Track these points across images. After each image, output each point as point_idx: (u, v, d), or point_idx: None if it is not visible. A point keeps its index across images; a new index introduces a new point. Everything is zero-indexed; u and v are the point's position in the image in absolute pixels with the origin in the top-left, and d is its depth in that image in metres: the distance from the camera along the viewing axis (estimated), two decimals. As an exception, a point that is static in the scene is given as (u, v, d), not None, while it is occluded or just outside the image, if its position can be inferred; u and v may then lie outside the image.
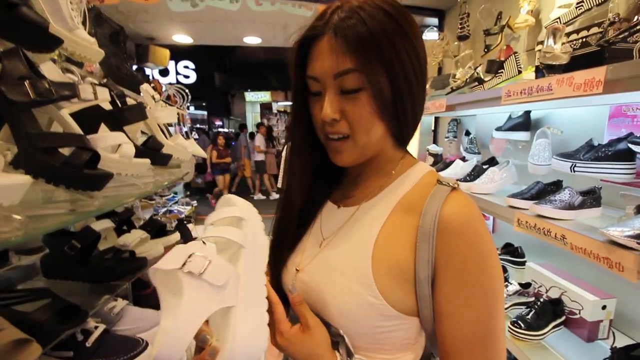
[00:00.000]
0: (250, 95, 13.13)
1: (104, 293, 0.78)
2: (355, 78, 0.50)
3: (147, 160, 0.75)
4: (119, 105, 0.83)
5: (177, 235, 1.11)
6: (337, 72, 0.50)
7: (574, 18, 1.31)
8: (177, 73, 8.99)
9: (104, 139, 0.66)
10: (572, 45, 1.20)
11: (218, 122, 12.12)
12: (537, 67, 1.28)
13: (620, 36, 0.97)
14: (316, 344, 0.52)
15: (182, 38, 3.89)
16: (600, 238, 0.91)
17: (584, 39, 1.20)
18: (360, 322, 0.52)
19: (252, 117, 13.59)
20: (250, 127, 12.72)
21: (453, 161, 1.96)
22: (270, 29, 3.59)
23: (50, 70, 0.70)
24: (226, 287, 0.44)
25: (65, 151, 0.60)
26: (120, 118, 0.80)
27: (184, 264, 0.43)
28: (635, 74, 0.85)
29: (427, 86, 2.21)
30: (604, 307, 1.23)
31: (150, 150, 0.83)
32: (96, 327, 0.74)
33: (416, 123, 0.60)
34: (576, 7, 1.29)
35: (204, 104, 11.85)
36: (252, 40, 3.96)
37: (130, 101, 0.94)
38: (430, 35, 3.03)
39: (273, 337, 0.53)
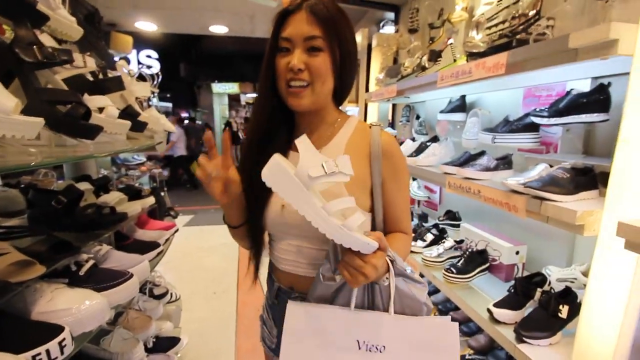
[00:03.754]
0: (217, 87, 12.85)
1: (90, 240, 0.90)
2: (319, 42, 0.72)
3: (128, 122, 0.88)
4: (100, 76, 0.95)
5: (152, 199, 1.23)
6: (307, 36, 0.71)
7: (496, 13, 1.55)
8: (139, 63, 8.67)
9: (93, 100, 0.79)
10: (492, 37, 1.45)
11: (184, 114, 11.79)
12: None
13: (520, 28, 1.22)
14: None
15: (146, 25, 3.85)
16: (503, 189, 1.15)
17: (501, 31, 1.45)
18: None
19: (220, 109, 13.33)
20: (218, 120, 12.51)
21: (404, 142, 2.19)
22: (237, 19, 3.66)
23: (47, 41, 0.81)
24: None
25: (61, 108, 0.72)
26: (103, 87, 0.92)
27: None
28: (529, 56, 1.10)
29: (382, 75, 2.43)
30: (517, 253, 1.50)
31: (129, 115, 0.96)
32: (87, 261, 0.86)
33: (350, 87, 0.84)
34: (497, 4, 1.53)
35: (168, 96, 11.48)
36: (218, 29, 3.99)
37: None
38: (387, 29, 3.26)
39: (369, 269, 0.64)
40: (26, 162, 0.57)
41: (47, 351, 0.64)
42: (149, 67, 8.87)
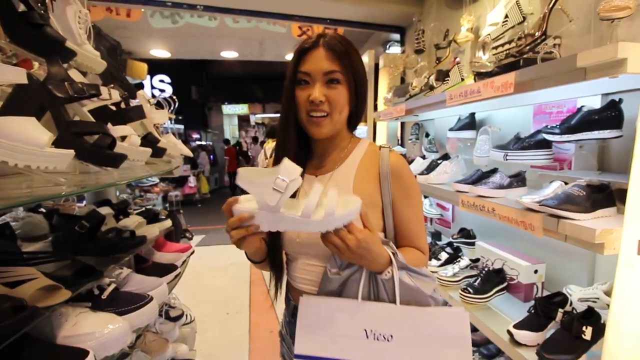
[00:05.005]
0: (227, 108, 13.17)
1: (110, 264, 0.93)
2: (338, 75, 0.79)
3: (149, 149, 0.92)
4: (123, 106, 0.99)
5: (169, 222, 1.26)
6: (327, 71, 0.78)
7: (502, 34, 1.59)
8: (152, 87, 8.98)
9: (118, 130, 0.83)
10: (499, 57, 1.47)
11: (195, 135, 12.06)
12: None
13: (527, 48, 1.24)
14: (379, 241, 0.72)
15: (160, 52, 4.03)
16: (518, 207, 1.14)
17: (508, 51, 1.48)
18: None
19: (230, 129, 13.61)
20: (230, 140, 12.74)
21: (414, 159, 2.20)
22: (247, 44, 3.80)
23: (76, 75, 0.86)
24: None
25: (88, 139, 0.76)
26: (125, 116, 0.96)
27: None
28: (537, 76, 1.11)
29: (390, 94, 2.48)
30: (535, 271, 1.47)
31: (149, 142, 1.00)
32: (109, 285, 0.88)
33: (363, 113, 0.89)
34: (502, 25, 1.57)
35: (180, 118, 11.78)
36: (229, 54, 4.14)
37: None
38: (393, 50, 3.34)
39: (350, 238, 0.66)
40: (57, 192, 0.59)
41: (72, 376, 0.65)
42: (162, 90, 9.20)
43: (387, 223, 0.85)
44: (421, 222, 0.90)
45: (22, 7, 0.80)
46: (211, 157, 10.92)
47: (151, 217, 1.22)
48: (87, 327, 0.73)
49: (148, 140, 1.01)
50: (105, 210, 1.07)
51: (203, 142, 11.75)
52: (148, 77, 8.71)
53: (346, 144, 0.89)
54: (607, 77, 0.89)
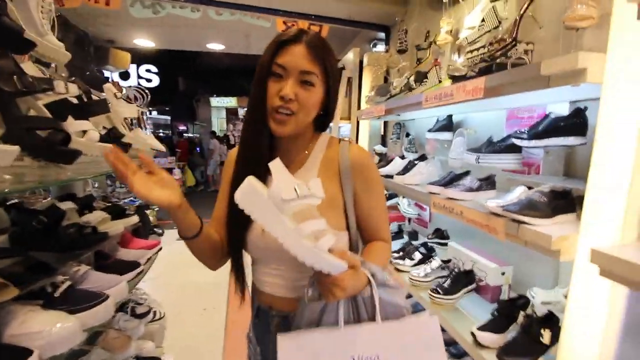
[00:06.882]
0: (215, 101, 12.99)
1: (69, 260, 0.90)
2: (313, 78, 0.76)
3: (109, 145, 0.89)
4: (85, 100, 0.97)
5: (136, 218, 1.23)
6: (304, 70, 0.75)
7: (478, 38, 1.60)
8: (139, 77, 8.79)
9: (74, 125, 0.80)
10: (474, 60, 1.48)
11: (182, 127, 11.87)
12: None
13: (498, 53, 1.25)
14: (360, 274, 0.72)
15: (144, 42, 3.93)
16: (484, 210, 1.16)
17: (482, 55, 1.49)
18: None
19: (218, 122, 13.44)
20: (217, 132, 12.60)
21: (393, 159, 2.22)
22: (233, 36, 3.74)
23: (29, 68, 0.83)
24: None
25: (42, 134, 0.73)
26: (87, 110, 0.93)
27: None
28: (505, 81, 1.13)
29: (373, 93, 2.48)
30: (503, 273, 1.50)
31: (112, 138, 0.97)
32: (63, 282, 0.86)
33: (332, 117, 0.88)
34: (478, 29, 1.58)
35: (167, 109, 11.58)
36: (215, 46, 4.08)
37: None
38: (379, 49, 3.34)
39: (338, 291, 0.67)
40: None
41: (15, 377, 0.64)
42: (148, 80, 9.01)
43: (350, 220, 0.84)
44: (384, 212, 0.91)
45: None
46: (197, 149, 10.77)
47: (117, 212, 1.20)
48: (35, 325, 0.71)
49: (110, 135, 0.98)
50: (67, 205, 1.05)
51: (190, 134, 11.58)
52: (134, 66, 8.54)
53: (307, 141, 0.88)
54: (569, 86, 0.91)
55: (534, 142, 1.23)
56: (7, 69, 0.64)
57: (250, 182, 0.65)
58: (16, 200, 1.28)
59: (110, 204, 1.25)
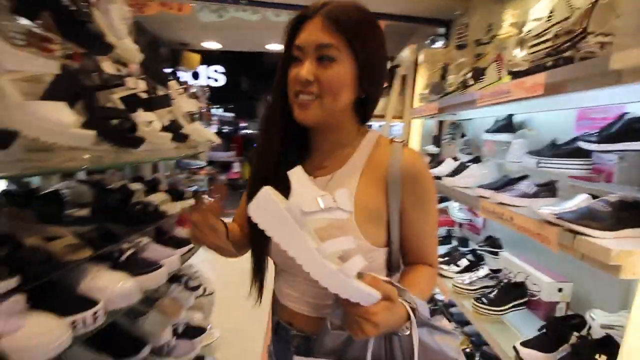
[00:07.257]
0: (274, 99, 13.41)
1: (134, 232, 1.06)
2: (333, 51, 0.63)
3: (169, 134, 1.01)
4: (151, 95, 1.10)
5: (192, 201, 1.38)
6: (319, 44, 0.63)
7: (545, 30, 1.46)
8: (208, 77, 9.53)
9: (140, 116, 0.93)
10: (538, 55, 1.36)
11: (243, 124, 12.59)
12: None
13: (565, 46, 1.14)
14: (397, 307, 0.58)
15: (211, 44, 4.27)
16: (537, 218, 1.07)
17: (548, 49, 1.36)
18: None
19: (277, 120, 13.86)
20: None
21: (445, 160, 2.12)
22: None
23: (108, 67, 0.98)
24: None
25: (114, 122, 0.86)
26: (152, 103, 1.07)
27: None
28: (568, 77, 1.03)
29: (427, 91, 2.39)
30: (560, 290, 1.36)
31: (172, 128, 1.10)
32: (127, 249, 1.01)
33: (376, 102, 0.75)
34: (546, 20, 1.44)
35: (231, 107, 12.36)
36: (273, 47, 4.26)
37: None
38: (438, 44, 3.19)
39: (368, 326, 0.54)
40: (78, 165, 0.70)
41: (84, 319, 0.79)
42: (215, 80, 9.73)
43: (393, 235, 0.71)
44: (434, 232, 0.77)
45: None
46: (254, 145, 11.32)
47: (177, 195, 1.35)
48: (102, 282, 0.86)
49: (171, 126, 1.11)
50: (136, 186, 1.21)
51: (249, 131, 12.22)
52: (205, 67, 9.29)
53: (351, 139, 0.74)
54: (647, 82, 0.80)
55: (604, 146, 1.10)
56: (89, 68, 0.77)
57: (267, 191, 0.55)
58: (97, 180, 1.51)
59: (171, 187, 1.41)
